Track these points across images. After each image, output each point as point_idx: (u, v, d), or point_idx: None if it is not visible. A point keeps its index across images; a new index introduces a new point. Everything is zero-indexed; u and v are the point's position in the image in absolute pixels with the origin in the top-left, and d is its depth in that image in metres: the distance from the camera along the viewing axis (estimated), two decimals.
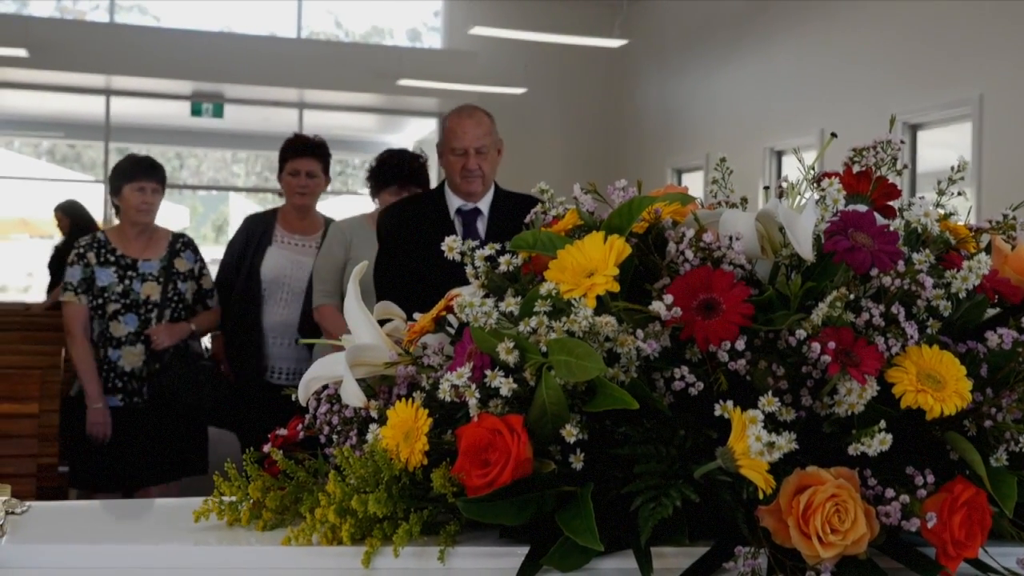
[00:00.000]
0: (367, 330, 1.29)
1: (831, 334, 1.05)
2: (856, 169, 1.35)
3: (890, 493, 1.04)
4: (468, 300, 1.11)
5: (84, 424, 3.81)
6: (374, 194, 3.90)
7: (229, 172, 16.00)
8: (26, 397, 3.67)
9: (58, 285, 7.15)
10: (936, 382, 1.06)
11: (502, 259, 1.25)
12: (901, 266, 1.12)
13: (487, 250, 1.27)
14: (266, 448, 1.29)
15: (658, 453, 1.07)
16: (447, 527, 1.09)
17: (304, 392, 1.31)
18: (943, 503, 1.05)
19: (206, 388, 3.86)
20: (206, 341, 4.23)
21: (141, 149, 4.15)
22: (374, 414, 1.22)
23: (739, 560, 1.02)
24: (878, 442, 1.04)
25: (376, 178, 3.90)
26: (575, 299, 1.08)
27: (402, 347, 1.31)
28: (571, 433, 1.06)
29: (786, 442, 0.97)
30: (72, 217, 7.47)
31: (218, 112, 12.08)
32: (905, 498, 1.04)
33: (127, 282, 3.84)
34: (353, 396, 1.24)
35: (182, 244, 3.99)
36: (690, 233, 1.17)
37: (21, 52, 9.76)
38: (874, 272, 1.11)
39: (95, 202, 11.73)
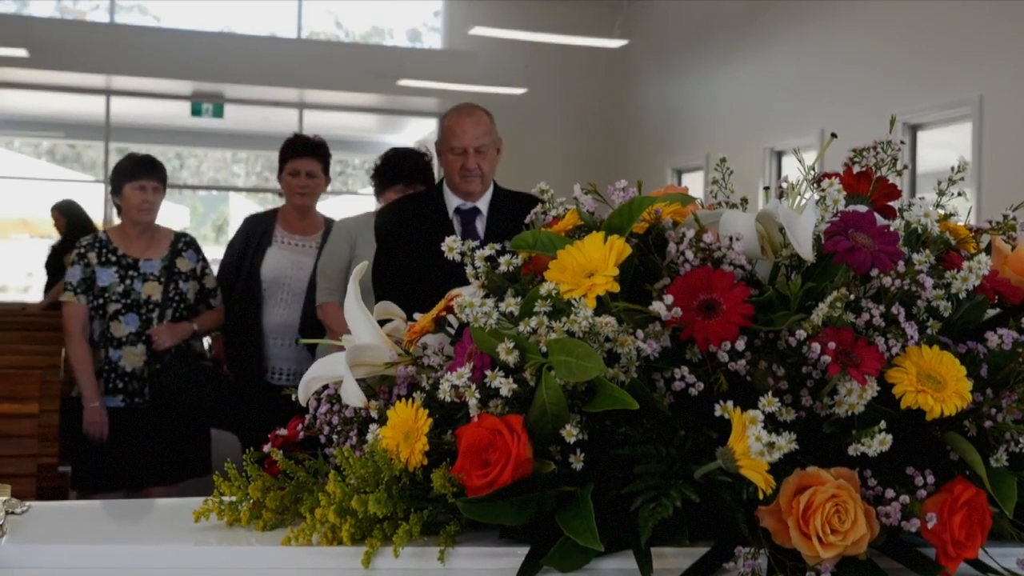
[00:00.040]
0: (367, 330, 1.29)
1: (831, 334, 1.05)
2: (856, 169, 1.35)
3: (890, 493, 1.04)
4: (468, 300, 1.11)
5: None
6: (379, 193, 3.89)
7: (229, 172, 16.00)
8: (26, 397, 3.67)
9: (55, 285, 7.17)
10: (936, 382, 1.06)
11: (502, 259, 1.25)
12: (901, 266, 1.12)
13: (487, 250, 1.27)
14: (266, 448, 1.29)
15: (658, 453, 1.07)
16: (447, 527, 1.09)
17: (304, 392, 1.31)
18: (943, 503, 1.05)
19: (207, 388, 3.85)
20: (208, 341, 4.22)
21: (141, 149, 4.14)
22: (374, 414, 1.22)
23: (739, 560, 1.02)
24: (878, 442, 1.04)
25: (381, 176, 3.89)
26: (575, 299, 1.08)
27: (402, 347, 1.31)
28: (571, 433, 1.06)
29: (786, 442, 0.97)
30: (68, 217, 7.46)
31: (218, 112, 12.08)
32: (905, 498, 1.04)
33: (128, 282, 3.82)
34: (353, 396, 1.24)
35: (184, 244, 3.97)
36: (690, 233, 1.17)
37: (21, 52, 9.76)
38: (874, 272, 1.11)
39: (95, 202, 11.75)
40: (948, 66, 7.31)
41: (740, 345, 1.07)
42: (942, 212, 1.34)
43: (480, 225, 3.14)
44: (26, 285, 13.43)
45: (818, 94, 8.66)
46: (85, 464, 3.89)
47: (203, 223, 15.37)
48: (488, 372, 1.07)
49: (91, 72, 11.03)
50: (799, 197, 1.26)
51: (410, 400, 1.16)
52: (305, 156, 4.05)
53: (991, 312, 1.23)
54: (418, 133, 13.21)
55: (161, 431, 3.82)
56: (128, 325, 3.80)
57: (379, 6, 13.06)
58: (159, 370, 3.79)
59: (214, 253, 4.17)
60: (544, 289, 1.11)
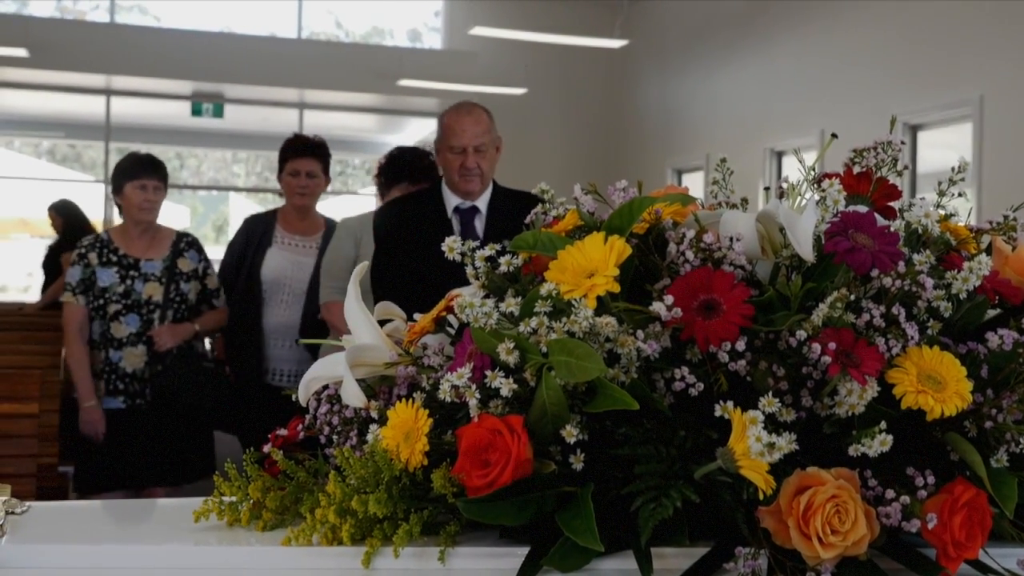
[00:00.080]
0: (367, 330, 1.29)
1: (831, 335, 1.05)
2: (856, 170, 1.35)
3: (890, 494, 1.04)
4: (468, 301, 1.11)
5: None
6: (384, 192, 3.87)
7: (229, 172, 16.01)
8: (26, 397, 3.67)
9: (51, 284, 7.17)
10: (936, 383, 1.06)
11: (502, 260, 1.25)
12: (902, 267, 1.12)
13: (487, 250, 1.27)
14: (266, 448, 1.29)
15: (658, 454, 1.07)
16: (447, 527, 1.09)
17: (304, 392, 1.31)
18: (943, 504, 1.05)
19: (207, 389, 3.84)
20: (209, 342, 4.21)
21: (141, 149, 4.13)
22: (374, 414, 1.22)
23: (739, 561, 1.02)
24: (878, 443, 1.04)
25: (386, 175, 3.87)
26: (575, 300, 1.08)
27: (402, 347, 1.31)
28: (571, 434, 1.06)
29: (786, 443, 0.97)
30: (65, 217, 7.45)
31: (218, 112, 12.09)
32: (905, 499, 1.04)
33: (128, 282, 3.81)
34: (353, 396, 1.24)
35: (186, 244, 3.95)
36: (690, 234, 1.17)
37: (21, 52, 9.76)
38: (874, 273, 1.11)
39: (95, 202, 11.76)
40: (948, 66, 7.31)
41: (740, 345, 1.07)
42: (942, 212, 1.34)
43: (479, 224, 3.11)
44: (26, 285, 13.43)
45: (818, 94, 8.66)
46: (86, 465, 3.89)
47: (203, 223, 15.37)
48: (488, 372, 1.07)
49: (91, 72, 11.03)
50: (799, 197, 1.26)
51: (410, 400, 1.16)
52: (305, 156, 4.04)
53: (992, 313, 1.23)
54: (418, 133, 13.21)
55: (162, 432, 3.81)
56: (129, 326, 3.79)
57: (379, 6, 13.06)
58: (160, 372, 3.79)
59: (214, 253, 4.16)
60: (544, 289, 1.11)
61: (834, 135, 1.37)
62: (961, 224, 1.35)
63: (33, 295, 9.64)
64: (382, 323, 1.36)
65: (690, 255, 1.15)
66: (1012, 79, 6.75)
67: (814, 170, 1.28)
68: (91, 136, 13.47)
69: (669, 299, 1.07)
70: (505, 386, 1.06)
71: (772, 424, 1.04)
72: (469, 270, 1.27)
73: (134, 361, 3.79)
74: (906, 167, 1.39)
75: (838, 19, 8.52)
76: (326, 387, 1.33)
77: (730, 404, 1.02)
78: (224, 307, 4.01)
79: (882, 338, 1.09)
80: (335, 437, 1.29)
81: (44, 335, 5.17)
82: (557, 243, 1.19)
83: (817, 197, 1.24)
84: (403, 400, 1.16)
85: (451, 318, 1.32)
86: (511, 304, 1.14)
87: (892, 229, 1.17)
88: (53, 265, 7.40)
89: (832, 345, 1.04)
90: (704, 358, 1.09)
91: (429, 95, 11.47)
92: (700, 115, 10.60)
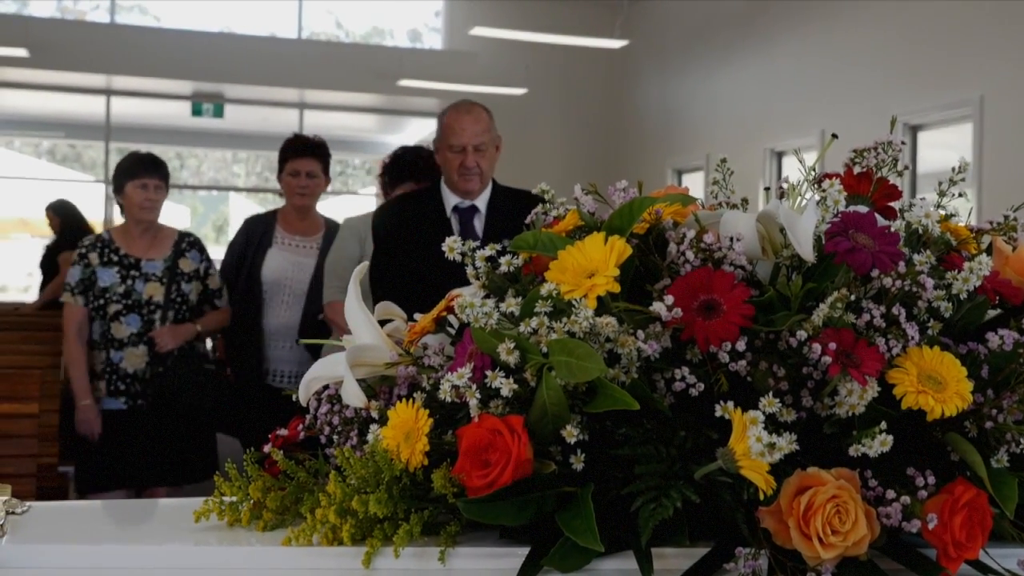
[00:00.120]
0: (368, 330, 1.29)
1: (832, 335, 1.05)
2: (857, 170, 1.35)
3: (891, 494, 1.04)
4: (469, 301, 1.11)
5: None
6: (388, 191, 3.86)
7: (229, 172, 16.01)
8: (26, 397, 3.67)
9: (48, 284, 7.17)
10: (937, 383, 1.06)
11: (503, 260, 1.25)
12: (902, 267, 1.12)
13: (488, 251, 1.27)
14: (266, 448, 1.29)
15: (659, 454, 1.07)
16: (448, 527, 1.09)
17: (305, 392, 1.31)
18: (944, 504, 1.05)
19: (207, 390, 3.83)
20: (210, 342, 4.21)
21: (142, 149, 4.12)
22: (375, 414, 1.22)
23: (739, 561, 1.02)
24: (879, 443, 1.04)
25: (390, 174, 3.86)
26: (576, 300, 1.08)
27: (403, 347, 1.31)
28: (571, 434, 1.06)
29: (787, 443, 0.97)
30: (63, 216, 7.45)
31: (218, 112, 12.09)
32: (906, 499, 1.04)
33: (129, 282, 3.80)
34: (354, 396, 1.24)
35: (188, 244, 3.94)
36: (691, 234, 1.17)
37: (22, 52, 9.76)
38: (875, 273, 1.11)
39: (95, 202, 11.76)
40: (948, 66, 7.31)
41: (741, 346, 1.07)
42: (943, 213, 1.34)
43: (478, 224, 3.09)
44: (26, 285, 13.44)
45: (818, 95, 8.66)
46: (87, 465, 3.88)
47: (203, 223, 15.37)
48: (489, 372, 1.07)
49: (91, 72, 11.03)
50: (800, 198, 1.26)
51: (411, 400, 1.16)
52: (305, 156, 4.03)
53: (992, 313, 1.23)
54: (419, 133, 13.21)
55: (162, 433, 3.80)
56: (129, 326, 3.78)
57: (379, 6, 13.06)
58: (160, 373, 3.77)
59: (215, 253, 4.16)
60: (545, 289, 1.11)
61: (834, 135, 1.37)
62: (961, 224, 1.35)
63: (33, 295, 9.65)
64: (382, 323, 1.36)
65: (690, 255, 1.15)
66: (1012, 79, 6.75)
67: (814, 170, 1.28)
68: (91, 136, 13.48)
69: (669, 299, 1.07)
70: (505, 386, 1.06)
71: (772, 424, 1.04)
72: (469, 270, 1.27)
73: (135, 362, 3.78)
74: (906, 167, 1.39)
75: (838, 19, 8.52)
76: (326, 387, 1.33)
77: (730, 404, 1.02)
78: (226, 307, 3.99)
79: (882, 338, 1.09)
80: (335, 437, 1.29)
81: (44, 335, 5.17)
82: (557, 243, 1.19)
83: (817, 197, 1.24)
84: (403, 400, 1.16)
85: (451, 318, 1.32)
86: (511, 304, 1.14)
87: (892, 229, 1.18)
88: (50, 265, 7.40)
89: (832, 345, 1.04)
90: (704, 358, 1.09)
91: (429, 95, 11.47)
92: (700, 115, 10.60)
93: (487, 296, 1.25)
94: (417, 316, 1.37)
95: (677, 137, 11.02)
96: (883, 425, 1.05)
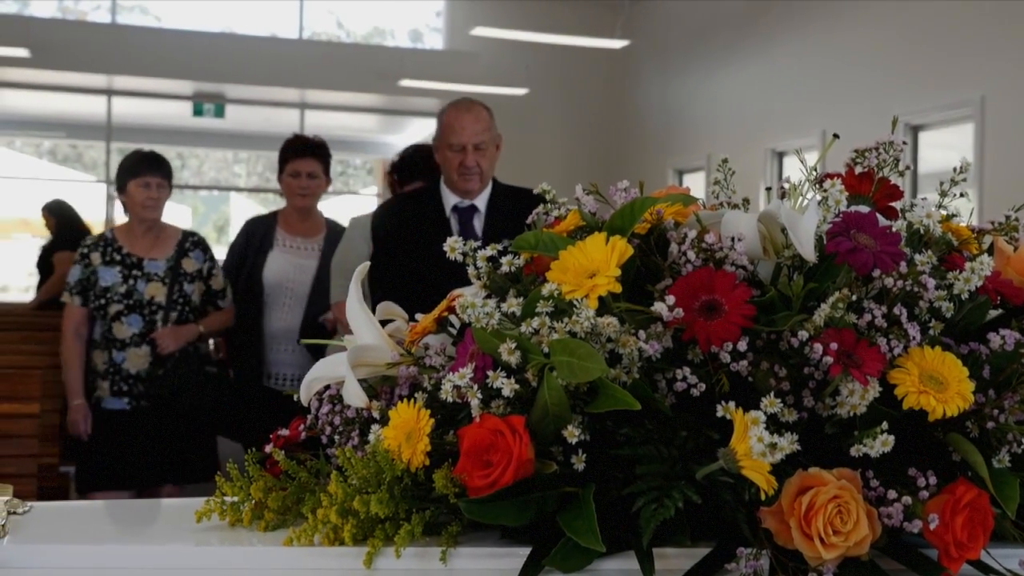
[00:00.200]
0: (369, 330, 1.29)
1: (833, 335, 1.05)
2: (858, 170, 1.35)
3: (892, 494, 1.04)
4: (470, 301, 1.11)
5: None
6: (397, 190, 3.84)
7: (230, 172, 16.01)
8: (27, 397, 3.68)
9: (45, 284, 7.17)
10: (938, 383, 1.06)
11: (504, 260, 1.25)
12: (903, 267, 1.12)
13: (489, 251, 1.27)
14: (268, 448, 1.29)
15: (660, 454, 1.07)
16: (449, 528, 1.09)
17: (306, 393, 1.31)
18: (945, 505, 1.05)
19: (208, 390, 3.82)
20: (213, 343, 4.19)
21: (143, 149, 4.11)
22: (376, 415, 1.22)
23: (741, 561, 1.02)
24: (880, 443, 1.04)
25: (400, 173, 3.84)
26: (577, 300, 1.08)
27: (404, 348, 1.31)
28: (573, 434, 1.06)
29: (788, 443, 0.97)
30: (58, 217, 7.44)
31: (219, 112, 12.10)
32: (907, 499, 1.04)
33: (131, 282, 3.78)
34: (355, 397, 1.24)
35: (191, 243, 3.91)
36: (692, 234, 1.17)
37: (23, 52, 9.77)
38: (876, 273, 1.11)
39: (96, 202, 11.77)
40: (949, 67, 7.31)
41: (742, 346, 1.06)
42: (944, 213, 1.34)
43: (478, 223, 3.07)
44: (27, 285, 13.44)
45: (819, 95, 8.67)
46: (88, 465, 3.88)
47: (204, 223, 15.38)
48: (490, 372, 1.07)
49: (93, 72, 11.04)
50: (801, 198, 1.25)
51: (412, 400, 1.16)
52: (305, 157, 4.01)
53: (993, 313, 1.23)
54: (419, 134, 13.21)
55: (164, 433, 3.79)
56: (131, 327, 3.77)
57: (380, 6, 13.07)
58: (160, 375, 3.76)
59: (216, 254, 4.14)
60: (546, 290, 1.11)
61: (836, 135, 1.37)
62: (963, 224, 1.35)
63: (34, 295, 9.66)
64: (384, 323, 1.36)
65: (692, 255, 1.14)
66: (1013, 79, 6.75)
67: (815, 170, 1.28)
68: (92, 136, 13.49)
69: (671, 299, 1.07)
70: (507, 386, 1.06)
71: (774, 424, 1.04)
72: (471, 270, 1.27)
73: (137, 362, 3.77)
74: (908, 167, 1.39)
75: (839, 19, 8.53)
76: (328, 387, 1.33)
77: (732, 404, 1.02)
78: (230, 307, 3.97)
79: (884, 338, 1.09)
80: (337, 437, 1.29)
81: (44, 335, 5.17)
82: (559, 243, 1.19)
83: (819, 197, 1.24)
84: (405, 400, 1.16)
85: (453, 318, 1.32)
86: (513, 304, 1.14)
87: (894, 229, 1.17)
88: (46, 265, 7.39)
89: (834, 345, 1.04)
90: (706, 358, 1.09)
91: (430, 95, 11.47)
92: (701, 115, 10.60)
93: (488, 296, 1.25)
94: (418, 316, 1.37)
95: (678, 137, 11.02)
96: (884, 425, 1.05)
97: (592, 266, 1.11)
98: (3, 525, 1.12)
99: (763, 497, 1.00)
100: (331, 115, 13.12)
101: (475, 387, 1.08)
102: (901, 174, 1.35)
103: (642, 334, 1.09)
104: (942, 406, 1.05)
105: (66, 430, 4.10)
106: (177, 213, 12.53)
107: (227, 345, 4.13)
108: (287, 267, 4.01)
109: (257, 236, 4.08)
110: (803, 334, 1.07)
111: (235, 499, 1.22)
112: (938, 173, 6.55)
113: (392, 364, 1.27)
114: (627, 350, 1.08)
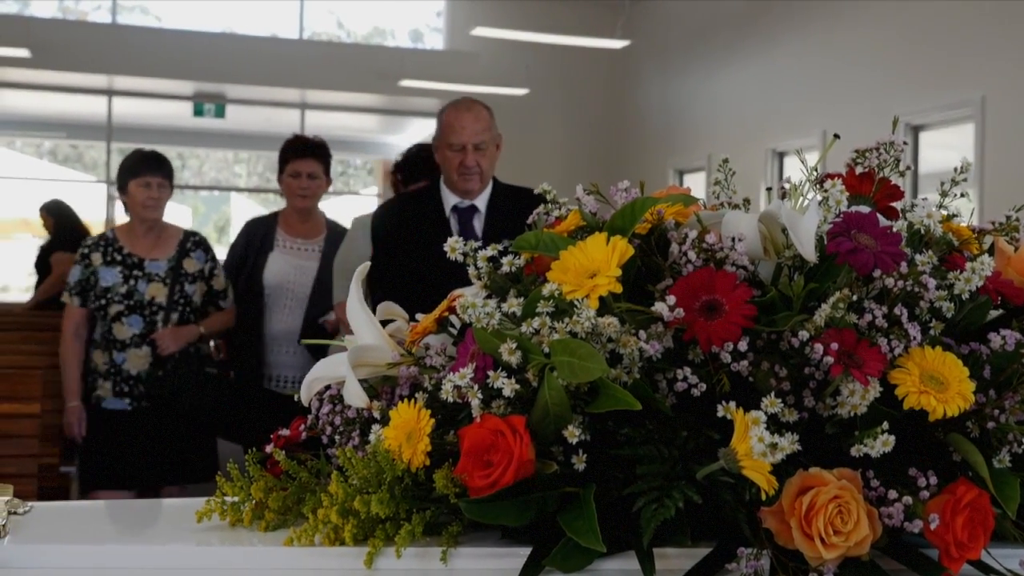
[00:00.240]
0: (369, 331, 1.29)
1: (834, 335, 1.05)
2: (859, 170, 1.35)
3: (893, 494, 1.04)
4: (471, 301, 1.11)
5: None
6: (401, 189, 3.83)
7: (231, 172, 16.01)
8: (27, 397, 3.68)
9: (43, 284, 7.16)
10: (939, 383, 1.06)
11: (505, 260, 1.25)
12: (904, 267, 1.12)
13: (490, 251, 1.27)
14: (268, 448, 1.29)
15: (660, 454, 1.07)
16: (449, 528, 1.09)
17: (306, 393, 1.31)
18: (946, 505, 1.05)
19: (208, 390, 3.81)
20: (214, 344, 4.19)
21: (144, 148, 4.10)
22: (376, 415, 1.22)
23: (741, 561, 1.02)
24: (881, 443, 1.04)
25: (404, 172, 3.83)
26: (578, 300, 1.08)
27: (404, 348, 1.31)
28: (573, 434, 1.06)
29: (789, 443, 0.97)
30: (56, 217, 7.43)
31: (220, 112, 12.10)
32: (908, 499, 1.04)
33: (132, 282, 3.77)
34: (355, 397, 1.24)
35: (193, 243, 3.90)
36: (693, 234, 1.17)
37: (23, 52, 9.77)
38: (877, 273, 1.11)
39: (96, 202, 11.77)
40: (950, 67, 7.31)
41: (742, 346, 1.06)
42: (945, 213, 1.34)
43: (478, 224, 3.06)
44: (27, 286, 13.44)
45: (820, 95, 8.66)
46: (89, 465, 3.88)
47: (205, 223, 15.38)
48: (491, 373, 1.07)
49: (93, 72, 11.04)
50: (802, 198, 1.25)
51: (412, 400, 1.16)
52: (305, 157, 4.00)
53: (994, 313, 1.23)
54: (420, 134, 13.21)
55: (164, 434, 3.78)
56: (132, 327, 3.76)
57: (381, 6, 13.07)
58: (160, 376, 3.75)
59: (216, 254, 4.14)
60: (547, 290, 1.11)
61: (836, 136, 1.37)
62: (963, 225, 1.35)
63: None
64: (384, 323, 1.36)
65: (692, 255, 1.14)
66: (1013, 79, 6.75)
67: (816, 170, 1.28)
68: (93, 136, 13.50)
69: (671, 299, 1.07)
70: (507, 386, 1.06)
71: (774, 424, 1.04)
72: (471, 270, 1.27)
73: (138, 363, 3.76)
74: (908, 168, 1.39)
75: (839, 19, 8.52)
76: (328, 387, 1.33)
77: (732, 404, 1.02)
78: (232, 307, 3.96)
79: (884, 339, 1.09)
80: (337, 437, 1.29)
81: (44, 335, 5.17)
82: (559, 243, 1.19)
83: (819, 197, 1.23)
84: (405, 400, 1.16)
85: (453, 318, 1.32)
86: (513, 304, 1.14)
87: (894, 229, 1.17)
88: (44, 265, 7.39)
89: (834, 346, 1.04)
90: (706, 358, 1.09)
91: (431, 95, 11.46)
92: (702, 115, 10.60)
93: (489, 296, 1.25)
94: (418, 316, 1.37)
95: (679, 137, 11.02)
96: (885, 425, 1.05)
97: (593, 266, 1.11)
98: (4, 525, 1.12)
99: (764, 497, 1.00)
100: (331, 115, 13.12)
101: (476, 387, 1.08)
102: (902, 174, 1.35)
103: (643, 334, 1.09)
104: (943, 406, 1.05)
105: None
106: (177, 213, 12.53)
107: (227, 346, 4.12)
108: (287, 268, 4.00)
109: (257, 237, 4.07)
110: (804, 334, 1.07)
111: (236, 499, 1.22)
112: (938, 173, 6.54)
113: (393, 364, 1.27)
114: (628, 350, 1.08)
